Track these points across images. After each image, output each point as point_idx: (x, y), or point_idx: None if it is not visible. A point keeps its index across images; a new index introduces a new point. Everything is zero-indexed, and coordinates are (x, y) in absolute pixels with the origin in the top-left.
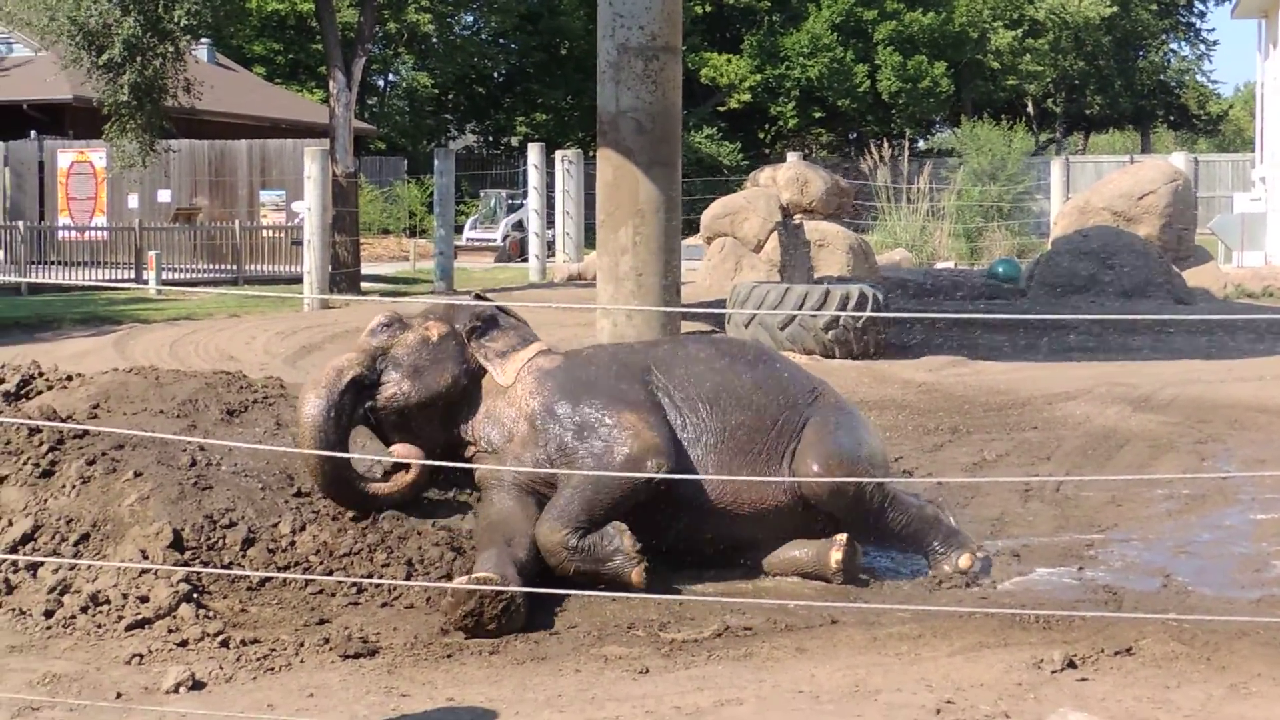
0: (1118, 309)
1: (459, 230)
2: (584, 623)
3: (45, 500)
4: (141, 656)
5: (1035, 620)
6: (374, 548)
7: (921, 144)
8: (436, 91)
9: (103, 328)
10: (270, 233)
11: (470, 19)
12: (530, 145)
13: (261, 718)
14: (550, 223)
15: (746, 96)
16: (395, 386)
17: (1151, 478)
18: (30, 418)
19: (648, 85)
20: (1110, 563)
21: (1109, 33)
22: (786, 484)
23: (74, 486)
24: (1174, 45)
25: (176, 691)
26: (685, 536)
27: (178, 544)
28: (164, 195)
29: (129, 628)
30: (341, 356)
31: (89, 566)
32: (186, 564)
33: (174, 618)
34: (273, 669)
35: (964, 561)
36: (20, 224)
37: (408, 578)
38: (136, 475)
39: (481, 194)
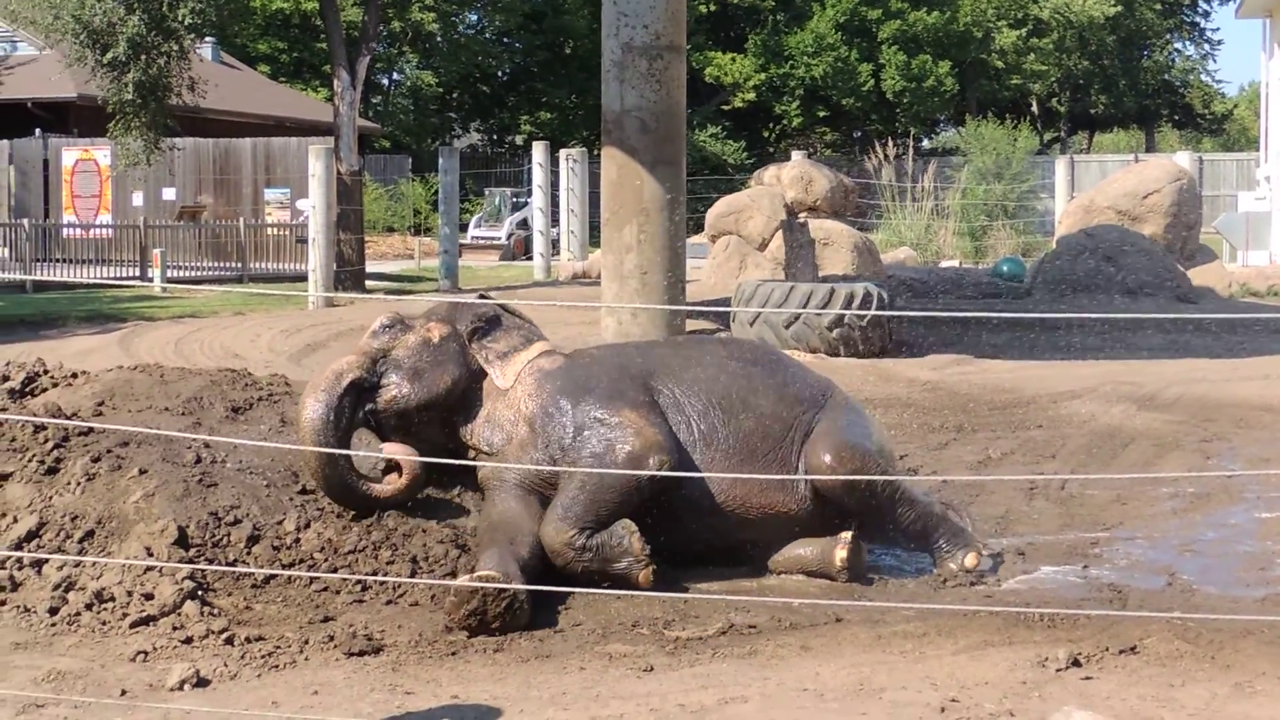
0: (1122, 308)
1: (463, 228)
2: (588, 621)
3: (50, 497)
4: (146, 654)
5: (1040, 619)
6: (378, 545)
7: (926, 143)
8: (441, 90)
9: (108, 325)
10: (275, 231)
11: (474, 17)
12: (535, 144)
13: (266, 715)
14: (555, 221)
15: (751, 95)
16: (395, 389)
17: (1156, 476)
18: (35, 415)
19: (652, 84)
20: (1115, 561)
21: (1113, 32)
22: (798, 486)
23: (79, 484)
24: (1178, 44)
25: (181, 689)
26: (694, 540)
27: (182, 541)
28: (169, 193)
29: (134, 625)
30: (342, 359)
31: (94, 564)
32: (191, 561)
33: (179, 615)
34: (277, 666)
35: (970, 560)
36: (25, 222)
37: (412, 575)
38: (141, 472)
39: (486, 192)
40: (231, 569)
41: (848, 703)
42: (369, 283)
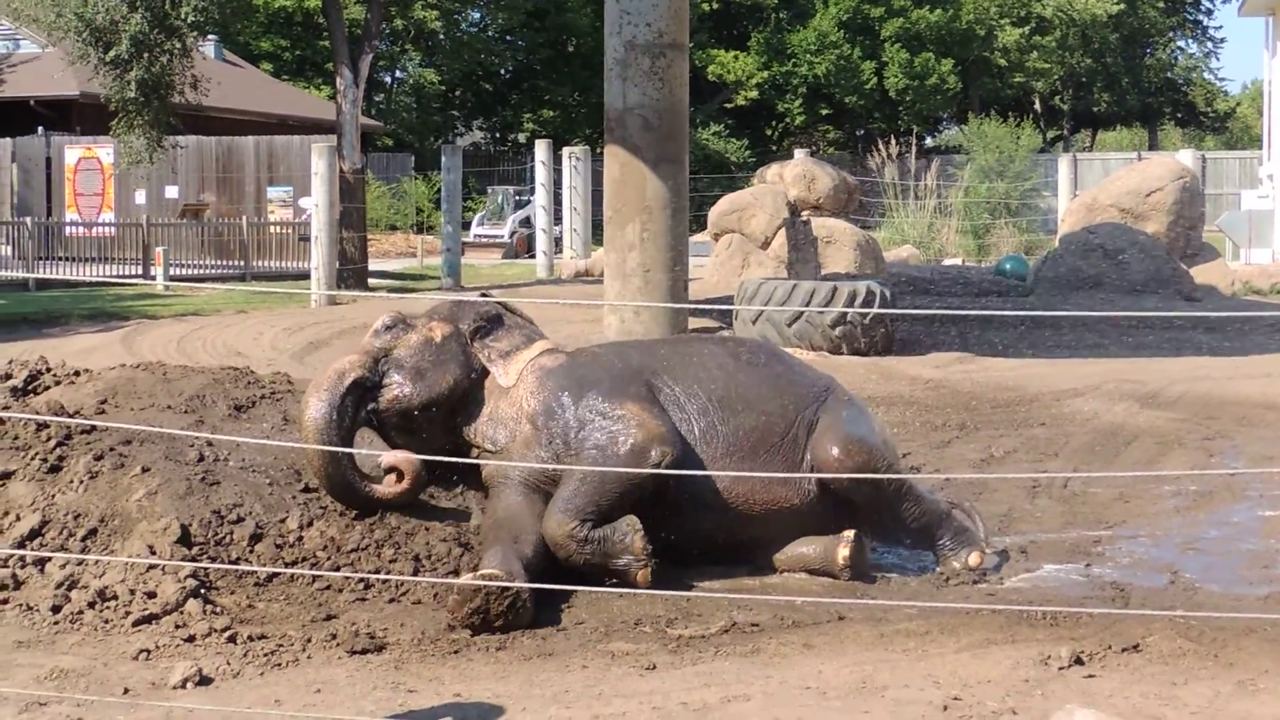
0: (1125, 306)
1: (466, 227)
2: (591, 619)
3: (53, 495)
4: (149, 652)
5: (1043, 617)
6: (381, 543)
7: (929, 141)
8: (443, 88)
9: (110, 324)
10: (278, 229)
11: (477, 15)
12: (537, 142)
13: (268, 713)
14: (557, 219)
15: (753, 93)
16: (398, 389)
17: (1159, 474)
18: (38, 413)
19: (655, 82)
20: (1118, 559)
21: (1116, 30)
22: (802, 480)
23: (82, 482)
24: (1181, 43)
25: (184, 687)
26: (697, 536)
27: (185, 539)
28: (171, 191)
29: (136, 623)
30: (344, 358)
31: (96, 562)
32: (194, 559)
33: (181, 613)
34: (280, 665)
35: (974, 559)
36: (28, 220)
37: (415, 573)
38: (144, 471)
39: (489, 190)
40: (234, 567)
41: (850, 701)
42: (372, 281)
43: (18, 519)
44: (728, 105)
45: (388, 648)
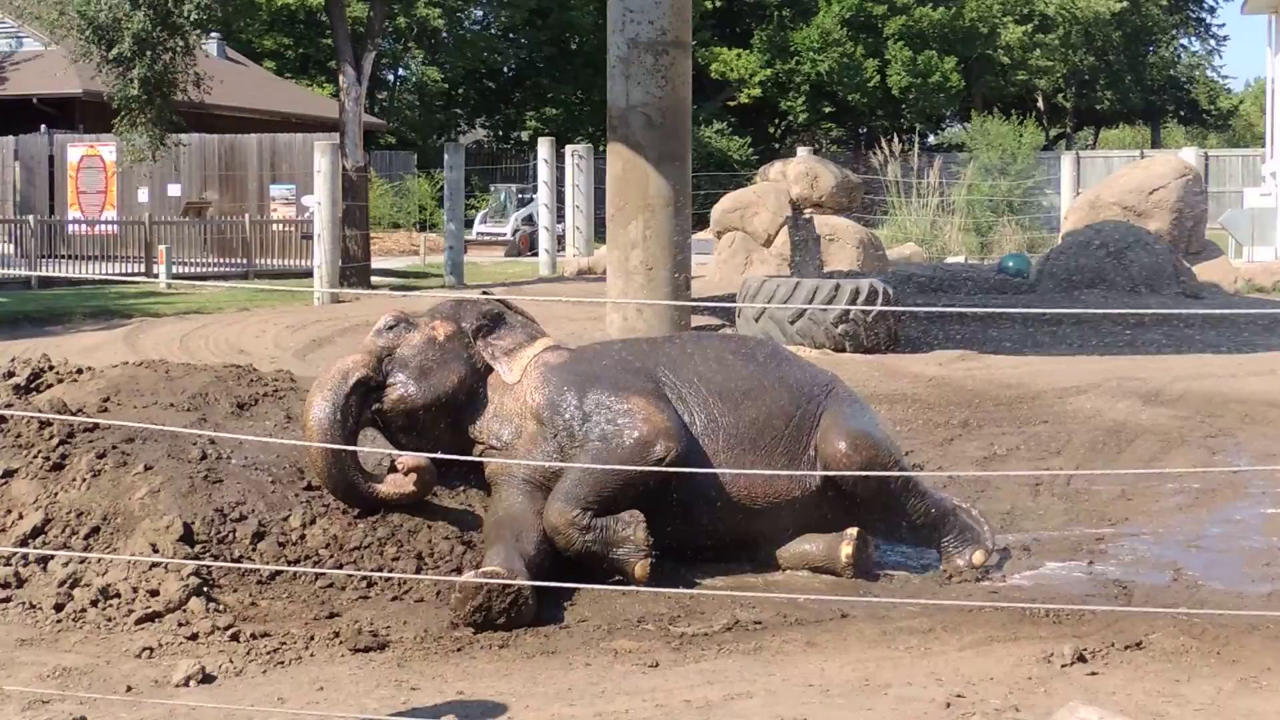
0: (1128, 303)
1: (469, 225)
2: (594, 617)
3: (56, 493)
4: (152, 650)
5: (1045, 614)
6: (384, 541)
7: (931, 139)
8: (446, 86)
9: (113, 321)
10: (280, 227)
11: (480, 13)
12: (540, 140)
13: (272, 711)
14: (560, 217)
15: (756, 91)
16: (402, 388)
17: (1162, 472)
18: (41, 411)
19: (657, 80)
20: (1120, 557)
21: (1119, 28)
22: (810, 469)
23: (84, 480)
24: (1184, 40)
25: (187, 685)
26: (700, 530)
27: (188, 537)
28: (174, 189)
29: (139, 621)
30: (347, 358)
31: (99, 560)
32: (197, 557)
33: (184, 611)
34: (283, 662)
35: (978, 557)
36: (30, 218)
37: (418, 571)
38: (147, 469)
39: (491, 188)
40: (237, 565)
41: (853, 698)
42: (374, 279)
43: (20, 517)
44: (730, 103)
45: (391, 645)
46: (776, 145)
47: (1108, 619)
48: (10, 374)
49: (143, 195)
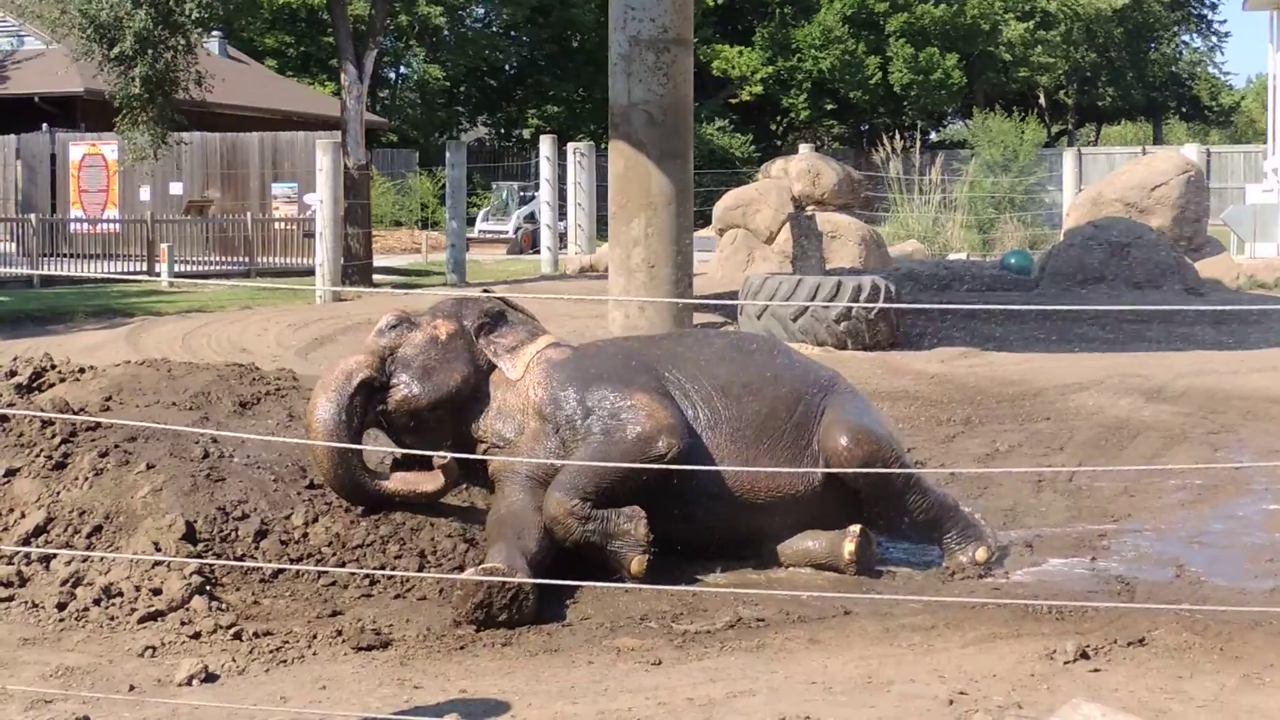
0: (1130, 300)
1: (471, 222)
2: (597, 614)
3: (58, 492)
4: (154, 649)
5: (1048, 611)
6: (387, 539)
7: (933, 136)
8: (448, 84)
9: (115, 320)
10: (282, 225)
11: (481, 11)
12: (542, 137)
13: (274, 710)
14: (562, 215)
15: (758, 88)
16: (406, 388)
17: (1164, 469)
18: (43, 410)
19: (659, 78)
20: (1123, 553)
21: (1121, 24)
22: (812, 464)
23: (86, 479)
24: (1186, 37)
25: (189, 684)
26: (702, 524)
27: (190, 536)
28: (176, 188)
29: (142, 620)
30: (350, 358)
31: (101, 559)
32: (199, 556)
33: (187, 610)
34: (285, 661)
35: (981, 554)
36: (32, 217)
37: (420, 569)
38: (149, 467)
39: (493, 186)
40: (239, 564)
41: (856, 695)
42: (376, 277)
43: (23, 516)
44: (732, 100)
45: (393, 644)
46: (778, 142)
47: (1110, 615)
48: (12, 373)
49: (144, 194)
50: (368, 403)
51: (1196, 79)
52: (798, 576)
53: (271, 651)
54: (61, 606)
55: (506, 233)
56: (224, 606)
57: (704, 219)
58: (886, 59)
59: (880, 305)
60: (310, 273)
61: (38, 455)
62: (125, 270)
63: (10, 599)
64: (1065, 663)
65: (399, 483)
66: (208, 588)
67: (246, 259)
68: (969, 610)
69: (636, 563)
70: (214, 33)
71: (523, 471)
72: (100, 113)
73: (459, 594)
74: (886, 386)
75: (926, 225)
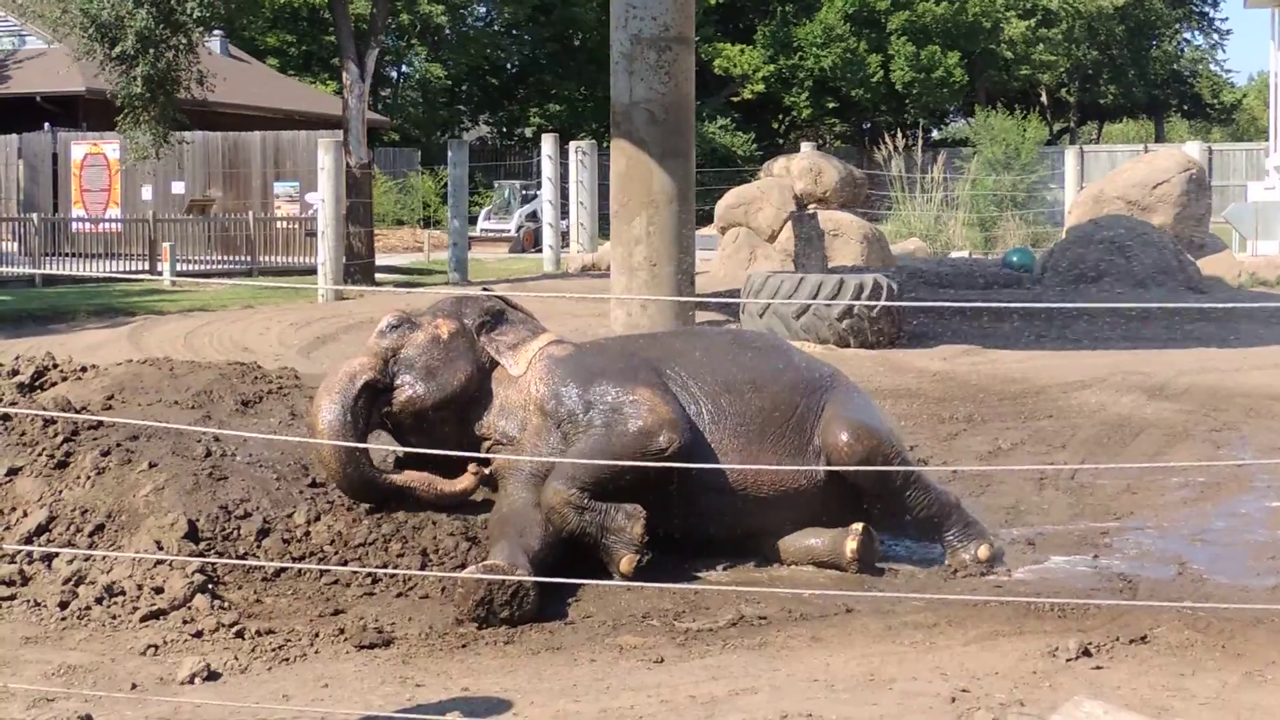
0: (1132, 298)
1: (473, 221)
2: (599, 612)
3: (60, 491)
4: (156, 647)
5: (1050, 609)
6: (389, 538)
7: (935, 134)
8: (450, 83)
9: (117, 319)
10: (284, 224)
11: (483, 10)
12: (544, 136)
13: (276, 708)
14: (564, 213)
15: (760, 87)
16: (410, 389)
17: (1166, 466)
18: (45, 409)
19: (661, 76)
20: (1125, 551)
21: (1122, 22)
22: (809, 463)
23: (89, 477)
24: (1187, 35)
25: (192, 682)
26: (704, 519)
27: (192, 535)
28: (178, 187)
29: (144, 619)
30: (352, 360)
31: (104, 557)
32: (201, 555)
33: (189, 608)
34: (288, 659)
35: (983, 552)
36: (34, 216)
37: (422, 568)
38: (151, 466)
39: (495, 185)
40: (242, 562)
41: (858, 693)
42: (378, 276)
43: (25, 515)
44: (734, 99)
45: (395, 642)
46: (780, 141)
47: (1113, 613)
48: (14, 372)
49: (146, 193)
50: (372, 405)
51: (1198, 76)
52: (800, 574)
53: (274, 650)
54: (64, 605)
55: (508, 231)
56: (226, 605)
57: (706, 217)
58: (888, 57)
59: (882, 303)
60: (312, 272)
61: (40, 454)
62: (127, 269)
63: (12, 598)
64: (1067, 660)
65: (409, 478)
66: (210, 586)
67: (248, 258)
68: (971, 608)
69: (626, 561)
70: (215, 32)
71: (525, 469)
72: (102, 112)
73: (460, 592)
74: (889, 384)
75: (928, 223)
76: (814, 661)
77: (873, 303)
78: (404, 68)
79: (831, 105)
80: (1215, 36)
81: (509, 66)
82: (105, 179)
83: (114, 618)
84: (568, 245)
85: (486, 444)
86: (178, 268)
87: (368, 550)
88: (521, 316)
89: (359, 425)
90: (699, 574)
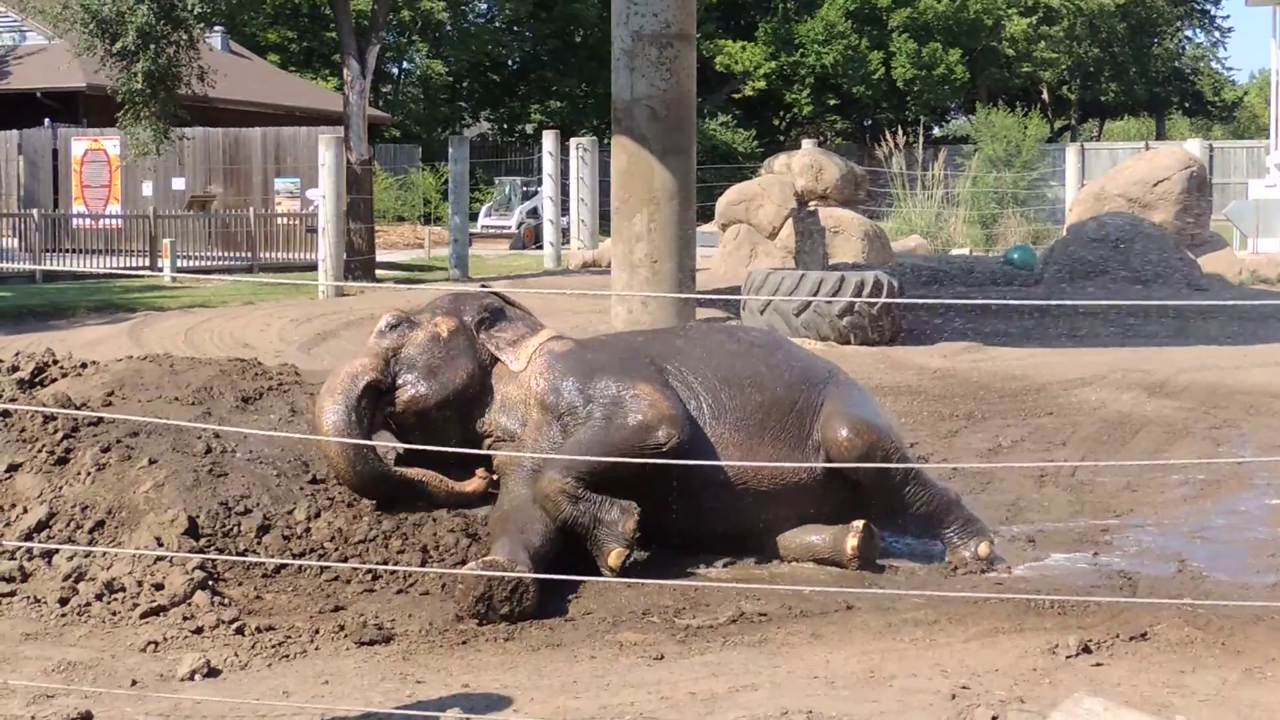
0: (1133, 295)
1: (474, 218)
2: (599, 609)
3: (60, 487)
4: (157, 644)
5: (1050, 606)
6: (389, 535)
7: (936, 131)
8: (451, 79)
9: (117, 315)
10: (285, 220)
11: (484, 6)
12: (545, 132)
13: (277, 704)
14: (565, 210)
15: (761, 84)
16: (413, 388)
17: (1167, 463)
18: (45, 405)
19: (662, 73)
20: (1125, 548)
21: (1123, 19)
22: (809, 457)
23: (89, 474)
24: (1188, 32)
25: (192, 679)
26: (705, 514)
27: (193, 531)
28: (178, 183)
29: (144, 615)
30: (353, 362)
31: (104, 554)
32: (201, 551)
33: (189, 605)
34: (288, 656)
35: (983, 549)
36: (35, 212)
37: (423, 564)
38: (151, 462)
39: (496, 181)
40: (242, 559)
41: (858, 690)
42: (379, 272)
43: (25, 511)
44: (735, 96)
45: (395, 639)
46: (781, 138)
47: (1113, 610)
48: (14, 368)
49: (147, 189)
50: (375, 405)
51: (1199, 74)
52: (800, 571)
53: (274, 646)
54: (64, 602)
55: (509, 228)
56: (226, 601)
57: (707, 214)
58: (889, 54)
59: (883, 300)
60: (313, 268)
61: (40, 450)
62: (128, 265)
63: (12, 594)
64: (1067, 657)
65: (422, 473)
66: (210, 583)
67: (249, 254)
68: (971, 605)
69: (615, 555)
70: (216, 28)
71: (527, 465)
72: (102, 108)
73: (460, 588)
74: (889, 381)
75: (929, 220)
76: (814, 658)
77: (873, 300)
78: (405, 64)
79: (833, 102)
80: (1216, 34)
81: (510, 63)
82: (106, 175)
83: (114, 614)
84: (568, 242)
85: (488, 441)
86: (178, 264)
87: (368, 547)
88: (519, 313)
89: (364, 426)
90: (699, 571)
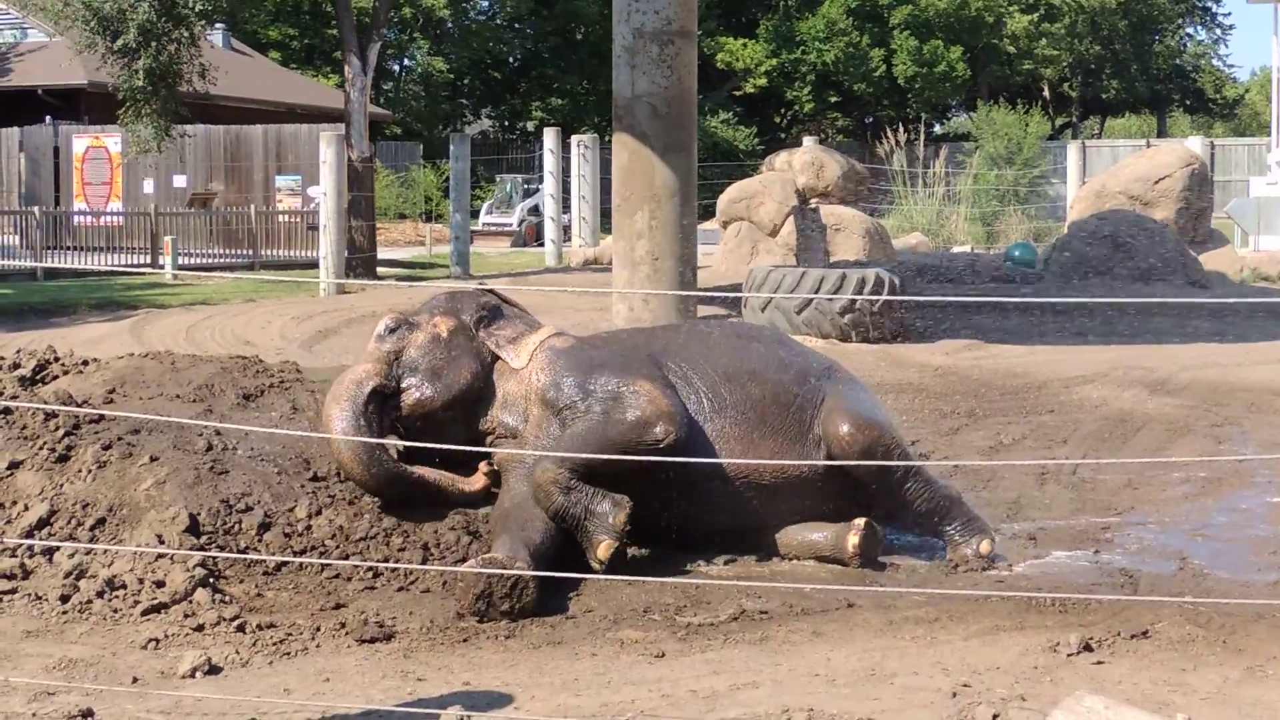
0: (1134, 293)
1: (475, 215)
2: (600, 607)
3: (61, 485)
4: (158, 641)
5: (1051, 603)
6: (390, 532)
7: (937, 128)
8: (452, 76)
9: (118, 313)
10: (286, 218)
11: (485, 4)
12: (546, 130)
13: (278, 702)
14: (566, 207)
15: (762, 81)
16: (418, 391)
17: (1168, 461)
18: (46, 403)
19: (663, 70)
20: (1126, 546)
21: (1125, 17)
22: (810, 451)
23: (90, 471)
24: (1190, 29)
25: (193, 676)
26: (705, 509)
27: (194, 528)
28: (179, 180)
29: (145, 612)
30: (357, 367)
31: (105, 551)
32: (203, 548)
33: (190, 602)
34: (289, 653)
35: (984, 547)
36: (36, 209)
37: (424, 562)
38: (152, 460)
39: (497, 179)
40: (243, 556)
41: (859, 688)
42: (380, 269)
43: (26, 508)
44: (736, 93)
45: (396, 636)
46: (782, 135)
47: (1114, 608)
48: (16, 365)
49: (148, 186)
50: (381, 410)
51: (1200, 72)
52: (801, 569)
53: (275, 644)
54: (65, 599)
55: (511, 225)
56: (227, 599)
57: (708, 212)
58: (891, 51)
59: (884, 298)
60: (314, 265)
61: (41, 448)
62: (129, 263)
63: (13, 591)
64: (1069, 655)
65: (434, 473)
66: (211, 580)
67: (250, 252)
68: (972, 603)
69: (604, 548)
70: (217, 25)
71: (528, 462)
72: (104, 105)
73: (461, 585)
74: (890, 379)
75: (930, 218)
76: (815, 656)
77: (874, 297)
78: (406, 61)
79: (834, 99)
80: (1218, 31)
81: (511, 60)
82: (107, 172)
83: (115, 611)
84: (570, 239)
85: (490, 438)
86: (179, 261)
87: (369, 544)
88: (517, 311)
89: (372, 430)
90: (700, 568)
